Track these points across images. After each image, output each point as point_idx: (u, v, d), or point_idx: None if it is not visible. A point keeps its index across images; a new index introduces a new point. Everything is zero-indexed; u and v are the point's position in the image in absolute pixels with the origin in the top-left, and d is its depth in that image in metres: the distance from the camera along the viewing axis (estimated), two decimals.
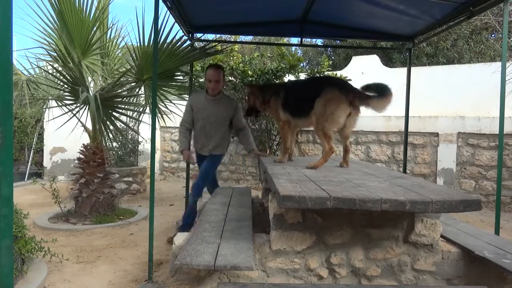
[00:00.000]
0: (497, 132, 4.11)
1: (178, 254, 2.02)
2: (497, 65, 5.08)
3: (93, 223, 4.49)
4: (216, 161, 3.98)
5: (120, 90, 4.80)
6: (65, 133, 5.48)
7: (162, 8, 3.50)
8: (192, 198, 3.79)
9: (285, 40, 7.30)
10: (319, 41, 12.80)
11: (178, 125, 6.62)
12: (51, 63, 4.56)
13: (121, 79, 4.61)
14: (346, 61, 10.17)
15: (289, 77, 6.35)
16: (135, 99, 5.17)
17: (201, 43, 4.95)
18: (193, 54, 4.50)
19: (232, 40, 8.11)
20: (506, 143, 5.81)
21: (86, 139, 4.87)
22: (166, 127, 8.76)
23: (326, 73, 6.35)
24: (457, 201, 1.88)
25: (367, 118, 6.84)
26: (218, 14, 4.17)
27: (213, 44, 5.42)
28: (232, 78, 6.25)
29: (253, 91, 3.55)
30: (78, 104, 4.52)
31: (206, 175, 3.87)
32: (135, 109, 5.13)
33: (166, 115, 4.92)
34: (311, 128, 7.40)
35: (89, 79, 4.77)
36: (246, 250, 2.05)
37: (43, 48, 4.41)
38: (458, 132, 6.22)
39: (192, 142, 3.98)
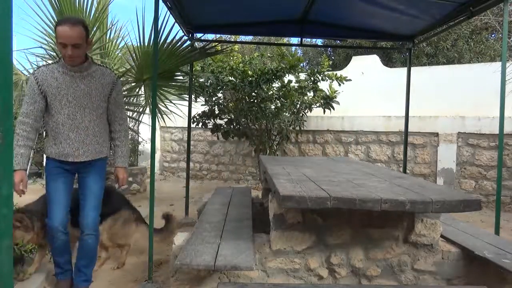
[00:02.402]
0: (497, 132, 4.11)
1: (178, 254, 2.03)
2: (497, 65, 5.08)
3: None
4: (103, 172, 2.67)
5: None
6: None
7: (162, 8, 3.51)
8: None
9: (285, 40, 7.31)
10: (319, 41, 12.80)
11: (178, 125, 6.58)
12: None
13: (121, 79, 4.61)
14: (346, 61, 10.17)
15: (289, 77, 6.35)
16: (135, 99, 5.17)
17: (201, 43, 4.95)
18: (193, 54, 4.51)
19: (232, 40, 8.11)
20: (506, 143, 5.81)
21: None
22: (166, 127, 8.76)
23: (326, 73, 6.35)
24: (457, 201, 1.88)
25: (367, 118, 6.85)
26: (218, 14, 4.17)
27: (213, 44, 5.42)
28: (232, 78, 6.25)
29: None
30: None
31: (99, 201, 2.59)
32: (135, 109, 5.14)
33: (166, 115, 4.92)
34: (311, 128, 7.39)
35: None
36: (246, 250, 2.06)
37: (43, 48, 4.41)
38: (458, 132, 6.22)
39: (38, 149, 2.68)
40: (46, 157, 2.56)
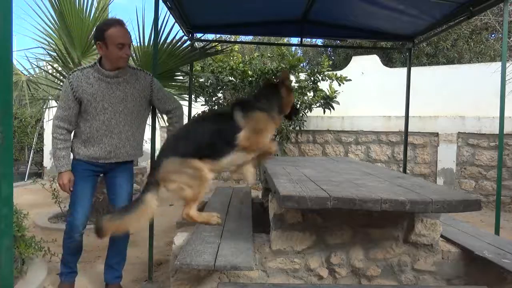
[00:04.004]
0: (497, 132, 4.10)
1: (178, 254, 2.03)
2: (497, 65, 5.08)
3: (93, 223, 4.48)
4: (132, 172, 2.73)
5: None
6: None
7: (162, 8, 3.50)
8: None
9: (285, 40, 7.31)
10: (319, 41, 12.80)
11: None
12: (51, 63, 4.56)
13: None
14: (346, 61, 10.16)
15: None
16: None
17: (201, 43, 4.95)
18: (193, 54, 4.50)
19: (232, 40, 8.11)
20: (506, 143, 5.81)
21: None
22: (166, 127, 8.76)
23: (326, 73, 6.35)
24: (457, 201, 1.88)
25: (367, 118, 6.85)
26: (218, 14, 4.17)
27: (213, 44, 5.42)
28: (232, 78, 6.25)
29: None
30: None
31: (130, 200, 2.62)
32: None
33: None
34: (311, 128, 7.38)
35: None
36: (246, 250, 2.06)
37: (43, 48, 4.41)
38: (458, 132, 6.22)
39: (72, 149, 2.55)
40: (73, 157, 2.55)
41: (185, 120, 2.98)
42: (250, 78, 6.10)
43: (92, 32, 4.34)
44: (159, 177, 2.18)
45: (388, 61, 10.67)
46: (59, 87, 4.60)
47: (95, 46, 4.38)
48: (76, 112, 2.43)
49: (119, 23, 2.35)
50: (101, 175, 2.67)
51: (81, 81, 2.38)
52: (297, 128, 6.56)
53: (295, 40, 8.01)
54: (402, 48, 5.40)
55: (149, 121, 2.92)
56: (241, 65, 6.29)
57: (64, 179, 2.43)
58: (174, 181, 2.18)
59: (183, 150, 2.15)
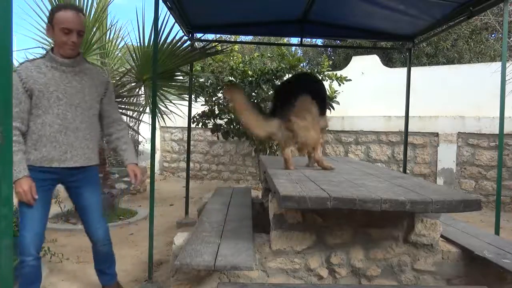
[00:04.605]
0: (497, 132, 4.11)
1: (178, 254, 2.03)
2: (497, 65, 5.07)
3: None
4: (98, 181, 2.44)
5: (120, 91, 4.80)
6: None
7: (162, 8, 3.51)
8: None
9: (285, 40, 7.30)
10: (319, 41, 12.80)
11: (178, 125, 6.57)
12: None
13: (122, 79, 4.61)
14: (346, 61, 10.16)
15: None
16: (135, 99, 5.17)
17: (201, 43, 4.95)
18: (193, 54, 4.51)
19: (232, 40, 8.11)
20: (506, 143, 5.81)
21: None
22: (166, 127, 8.75)
23: (326, 73, 6.35)
24: (457, 201, 1.88)
25: (367, 118, 6.85)
26: (218, 14, 4.17)
27: (213, 44, 5.42)
28: (232, 78, 6.25)
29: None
30: None
31: (101, 210, 2.40)
32: (135, 109, 5.14)
33: (166, 115, 4.92)
34: None
35: None
36: (246, 250, 2.06)
37: (43, 48, 4.41)
38: (458, 132, 6.22)
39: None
40: None
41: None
42: (250, 78, 6.10)
43: (92, 33, 4.36)
44: (293, 111, 2.41)
45: (388, 61, 10.67)
46: None
47: (95, 46, 4.44)
48: (27, 107, 2.09)
49: (72, 8, 2.16)
50: (59, 184, 2.31)
51: (31, 71, 2.10)
52: None
53: (295, 40, 8.00)
54: (402, 48, 5.40)
55: (149, 121, 2.92)
56: (241, 65, 6.30)
57: (23, 186, 2.00)
58: (306, 120, 2.44)
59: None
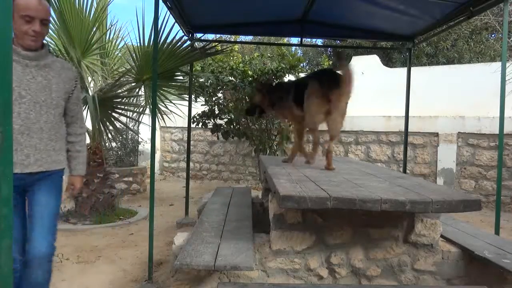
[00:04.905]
0: (497, 132, 4.11)
1: (178, 254, 2.03)
2: (497, 65, 5.07)
3: (93, 223, 4.49)
4: (60, 186, 2.15)
5: (120, 91, 4.80)
6: None
7: (162, 8, 3.51)
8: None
9: (285, 40, 7.31)
10: (319, 41, 12.79)
11: (178, 125, 6.55)
12: None
13: (121, 79, 4.62)
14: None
15: (289, 77, 6.35)
16: (135, 99, 5.17)
17: (201, 43, 4.95)
18: (193, 54, 4.51)
19: (232, 40, 8.11)
20: (506, 143, 5.81)
21: (86, 139, 4.87)
22: (166, 127, 8.75)
23: None
24: (457, 201, 1.88)
25: (367, 118, 6.85)
26: (218, 14, 4.18)
27: (213, 44, 5.42)
28: (232, 78, 6.26)
29: (263, 89, 3.35)
30: None
31: (55, 222, 2.07)
32: (135, 109, 5.14)
33: (166, 115, 4.93)
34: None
35: (89, 79, 4.77)
36: (246, 250, 2.06)
37: None
38: (458, 132, 6.22)
39: None
40: None
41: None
42: (250, 78, 6.10)
43: (92, 33, 4.36)
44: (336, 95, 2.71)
45: (388, 61, 10.67)
46: None
47: (95, 46, 4.44)
48: None
49: None
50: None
51: None
52: None
53: (295, 40, 8.01)
54: (402, 48, 5.41)
55: (149, 121, 2.92)
56: (241, 65, 6.30)
57: None
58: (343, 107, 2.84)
59: None
